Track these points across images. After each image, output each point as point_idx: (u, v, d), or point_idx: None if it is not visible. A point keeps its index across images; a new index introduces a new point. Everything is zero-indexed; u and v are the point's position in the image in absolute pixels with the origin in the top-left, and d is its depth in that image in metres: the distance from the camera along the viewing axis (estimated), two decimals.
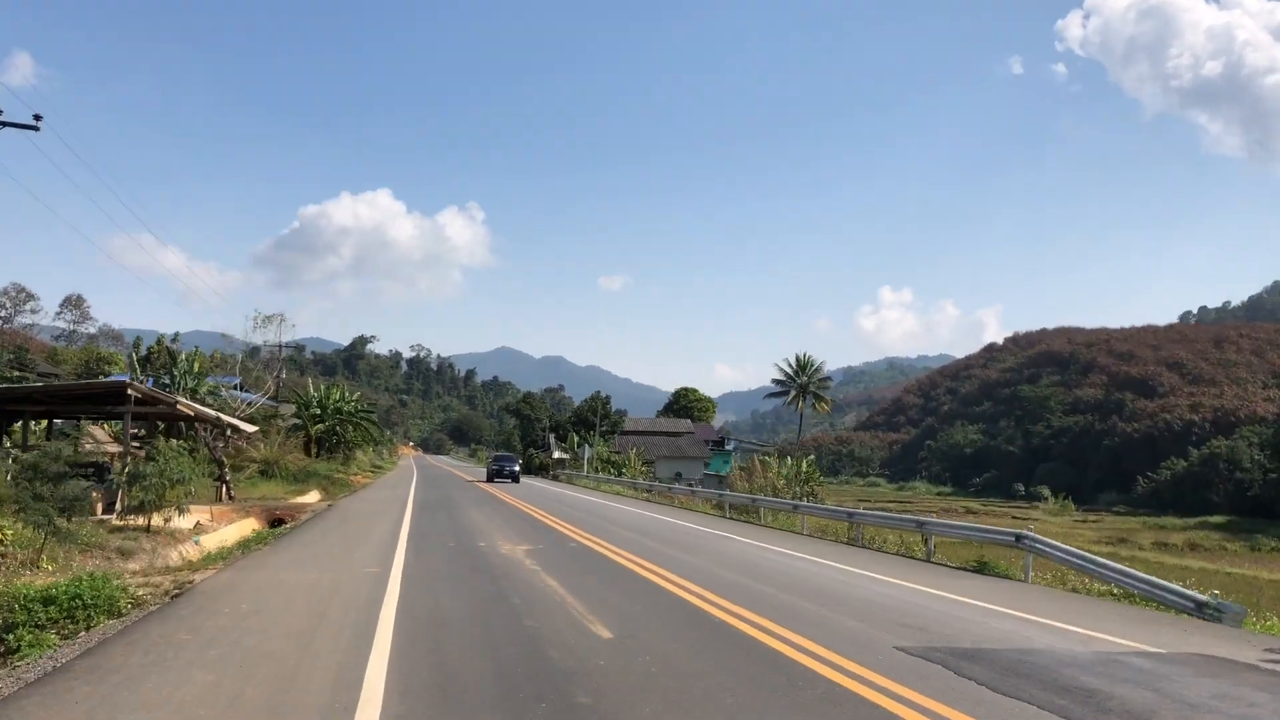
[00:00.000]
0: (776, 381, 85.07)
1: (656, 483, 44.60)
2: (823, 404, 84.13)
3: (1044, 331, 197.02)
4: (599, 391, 68.67)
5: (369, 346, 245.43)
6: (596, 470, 56.53)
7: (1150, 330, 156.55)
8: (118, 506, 21.94)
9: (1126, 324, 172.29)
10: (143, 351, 69.16)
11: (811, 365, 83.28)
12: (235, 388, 60.32)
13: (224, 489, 32.45)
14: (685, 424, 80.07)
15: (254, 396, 66.36)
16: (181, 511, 21.50)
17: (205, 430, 33.25)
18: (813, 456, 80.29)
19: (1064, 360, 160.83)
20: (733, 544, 19.29)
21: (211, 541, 22.03)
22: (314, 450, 56.54)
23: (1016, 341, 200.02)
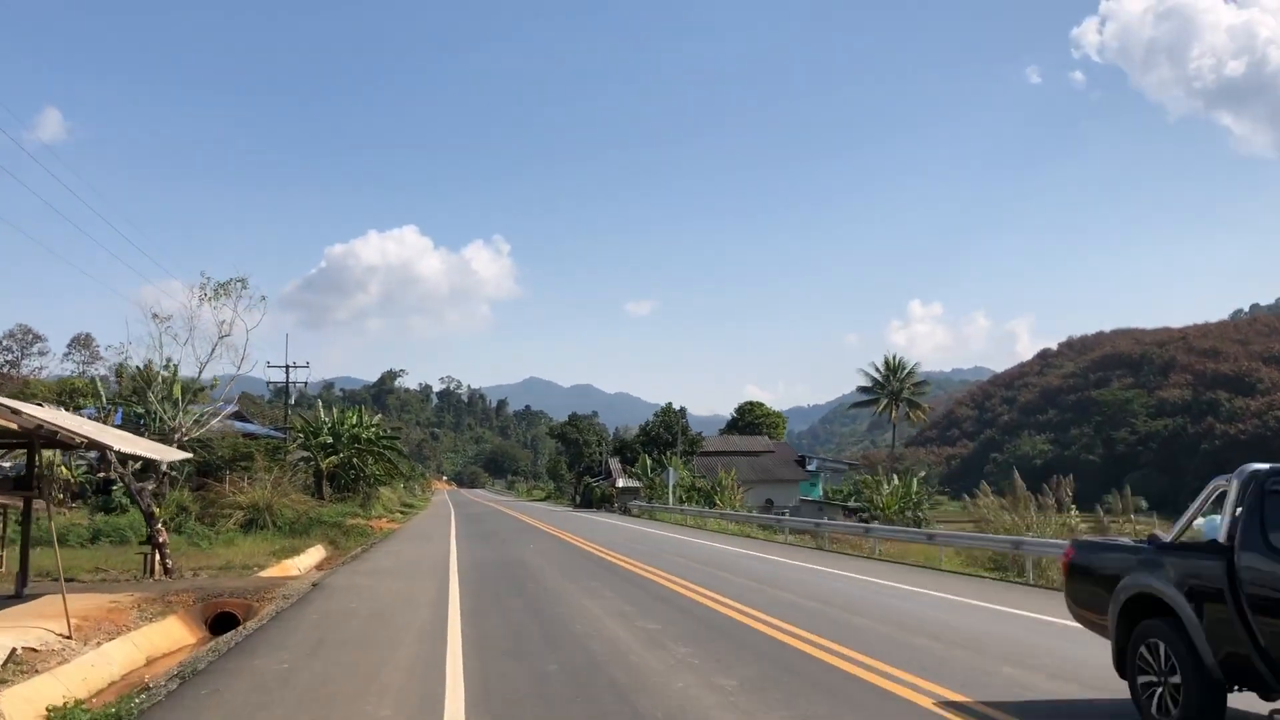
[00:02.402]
0: (862, 389, 71.65)
1: (820, 519, 30.81)
2: (918, 411, 70.53)
3: (1101, 334, 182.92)
4: (670, 403, 56.06)
5: (398, 381, 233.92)
6: (681, 500, 43.31)
7: (1232, 325, 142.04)
8: None
9: (1170, 325, 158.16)
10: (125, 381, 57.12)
11: (903, 368, 69.79)
12: (232, 416, 47.94)
13: (156, 557, 19.61)
14: (763, 441, 66.79)
15: (256, 423, 53.71)
16: None
17: (126, 465, 20.45)
18: (924, 474, 66.87)
19: (1134, 362, 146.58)
20: None
21: (29, 702, 9.03)
22: (325, 489, 43.76)
23: (1072, 346, 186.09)
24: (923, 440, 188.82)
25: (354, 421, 45.53)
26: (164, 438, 22.72)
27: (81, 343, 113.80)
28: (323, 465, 43.18)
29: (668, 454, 49.74)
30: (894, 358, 70.86)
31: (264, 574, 20.80)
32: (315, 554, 27.69)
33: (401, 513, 54.66)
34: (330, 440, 44.10)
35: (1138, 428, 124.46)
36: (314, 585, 16.44)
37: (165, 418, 22.88)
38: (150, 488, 20.17)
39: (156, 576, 19.37)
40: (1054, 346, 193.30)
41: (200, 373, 21.63)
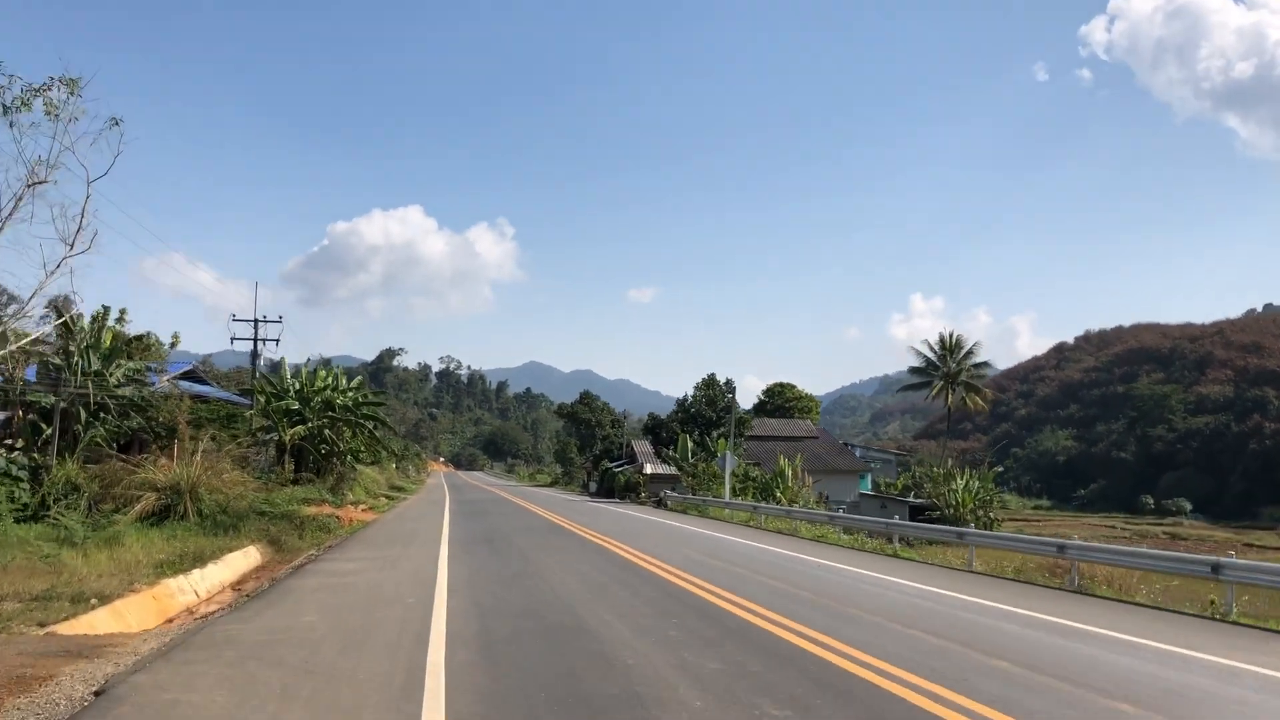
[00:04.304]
0: (914, 370, 61.83)
1: (885, 517, 19.52)
2: (975, 397, 60.62)
3: (1121, 329, 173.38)
4: (713, 374, 45.67)
5: (396, 359, 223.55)
6: (735, 492, 33.46)
7: (1271, 319, 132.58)
8: None
9: (1176, 321, 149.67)
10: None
11: (960, 347, 59.95)
12: (185, 376, 38.19)
13: None
14: (805, 425, 56.88)
15: (212, 388, 43.77)
16: None
17: None
18: (1000, 468, 57.33)
19: (1163, 356, 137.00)
20: None
21: None
22: (287, 466, 34.00)
23: (1090, 340, 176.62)
24: (933, 433, 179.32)
25: (326, 384, 35.61)
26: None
27: (59, 305, 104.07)
28: (286, 437, 33.36)
29: (713, 435, 39.59)
30: (950, 335, 61.05)
31: (83, 624, 11.09)
32: (238, 562, 17.97)
33: (387, 497, 44.90)
34: (296, 406, 34.27)
35: (1176, 425, 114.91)
36: (96, 694, 6.61)
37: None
38: None
39: None
40: (1070, 340, 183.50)
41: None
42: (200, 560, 16.50)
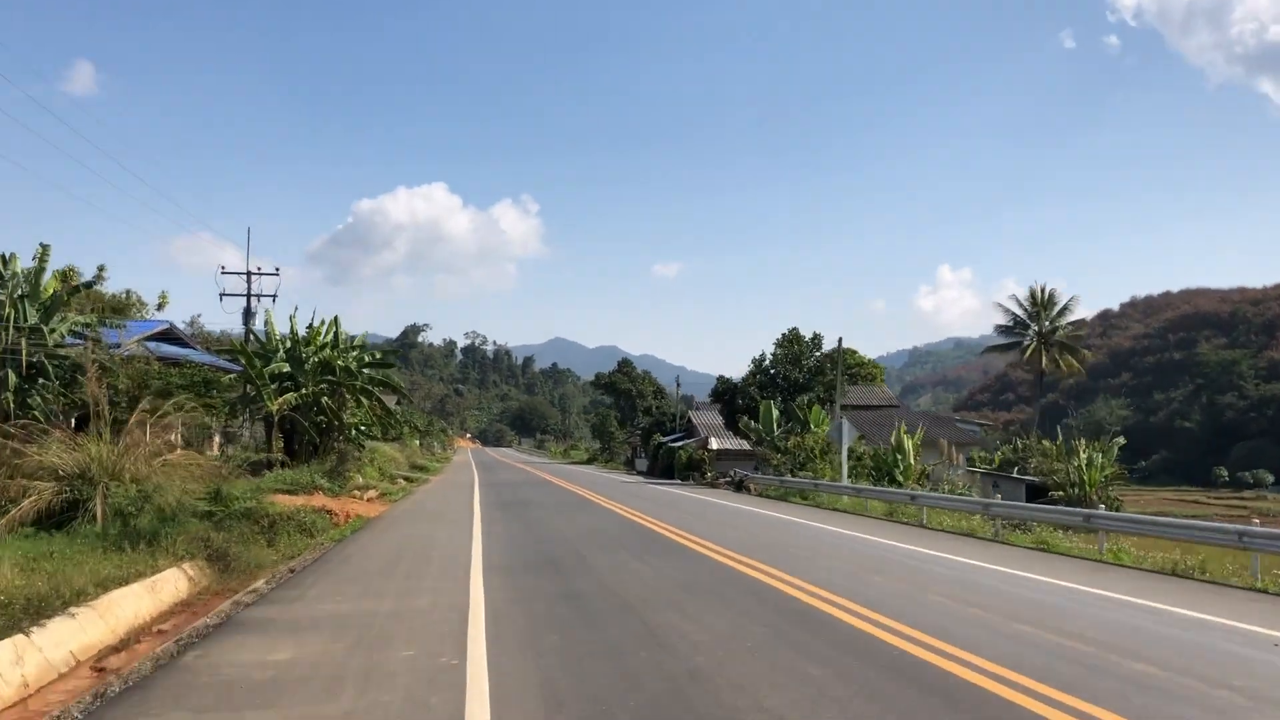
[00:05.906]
0: (1001, 329, 53.61)
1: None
2: (1070, 359, 52.28)
3: (1170, 295, 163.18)
4: (795, 328, 36.57)
5: (422, 335, 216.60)
6: (852, 475, 25.21)
7: None
8: None
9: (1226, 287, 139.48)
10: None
11: (1054, 304, 51.59)
12: (159, 336, 30.65)
13: None
14: (883, 393, 48.83)
15: (193, 350, 36.20)
16: None
17: None
18: (1123, 440, 48.95)
19: (1222, 321, 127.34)
20: None
21: None
22: (279, 444, 26.30)
23: (1136, 306, 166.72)
24: (974, 404, 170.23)
25: (325, 341, 27.75)
26: None
27: (63, 277, 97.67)
28: (272, 407, 25.51)
29: (800, 401, 31.13)
30: (1042, 290, 52.68)
31: None
32: (134, 604, 9.91)
33: (406, 479, 37.22)
34: (287, 368, 26.49)
35: (1247, 392, 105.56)
36: None
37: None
38: None
39: None
40: (1115, 307, 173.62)
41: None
42: (38, 611, 8.54)
